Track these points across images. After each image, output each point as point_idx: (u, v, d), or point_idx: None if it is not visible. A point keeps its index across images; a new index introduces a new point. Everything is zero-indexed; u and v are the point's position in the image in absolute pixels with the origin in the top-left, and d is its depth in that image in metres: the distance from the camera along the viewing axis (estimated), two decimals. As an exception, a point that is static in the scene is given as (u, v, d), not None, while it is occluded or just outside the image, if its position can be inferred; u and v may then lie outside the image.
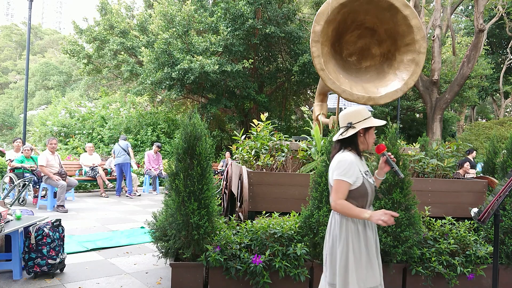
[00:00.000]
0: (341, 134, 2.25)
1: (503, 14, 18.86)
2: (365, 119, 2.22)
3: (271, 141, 4.83)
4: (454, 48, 17.73)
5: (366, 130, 2.25)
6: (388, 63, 4.80)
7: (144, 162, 11.05)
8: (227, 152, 13.49)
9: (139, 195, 9.87)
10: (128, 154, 9.57)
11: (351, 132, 2.21)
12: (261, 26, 12.83)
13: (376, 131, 2.39)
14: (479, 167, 9.40)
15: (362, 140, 2.25)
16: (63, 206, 7.08)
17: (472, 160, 9.07)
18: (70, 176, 9.28)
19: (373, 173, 2.45)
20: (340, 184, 2.13)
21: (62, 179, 7.30)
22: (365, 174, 2.23)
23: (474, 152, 9.24)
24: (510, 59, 22.99)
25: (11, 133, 33.01)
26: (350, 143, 2.25)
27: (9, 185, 7.83)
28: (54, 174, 7.29)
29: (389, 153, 2.30)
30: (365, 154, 2.59)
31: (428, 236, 3.69)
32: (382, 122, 2.26)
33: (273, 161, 4.53)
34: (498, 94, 25.37)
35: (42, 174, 7.36)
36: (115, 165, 9.63)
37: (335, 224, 2.24)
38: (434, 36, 15.17)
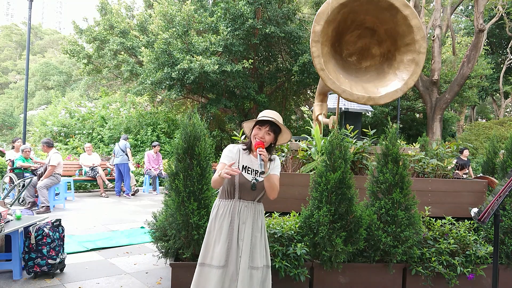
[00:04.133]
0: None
1: (503, 14, 18.85)
2: (254, 120, 2.48)
3: (271, 141, 4.81)
4: (454, 48, 17.73)
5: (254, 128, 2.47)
6: (388, 63, 4.79)
7: (144, 162, 11.05)
8: None
9: (137, 191, 9.88)
10: (126, 154, 9.56)
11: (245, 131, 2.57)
12: (261, 26, 12.82)
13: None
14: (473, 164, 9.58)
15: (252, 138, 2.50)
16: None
17: (465, 159, 9.23)
18: (70, 176, 9.32)
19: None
20: (219, 165, 2.41)
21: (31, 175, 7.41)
22: (243, 167, 2.45)
23: (466, 151, 9.37)
24: (510, 59, 22.98)
25: (11, 133, 33.01)
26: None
27: (9, 185, 7.83)
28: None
29: (259, 150, 2.34)
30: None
31: (428, 236, 3.69)
32: (263, 118, 2.41)
33: (273, 161, 4.51)
34: (498, 94, 25.37)
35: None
36: (113, 165, 9.64)
37: (213, 206, 2.56)
38: (434, 36, 15.16)
